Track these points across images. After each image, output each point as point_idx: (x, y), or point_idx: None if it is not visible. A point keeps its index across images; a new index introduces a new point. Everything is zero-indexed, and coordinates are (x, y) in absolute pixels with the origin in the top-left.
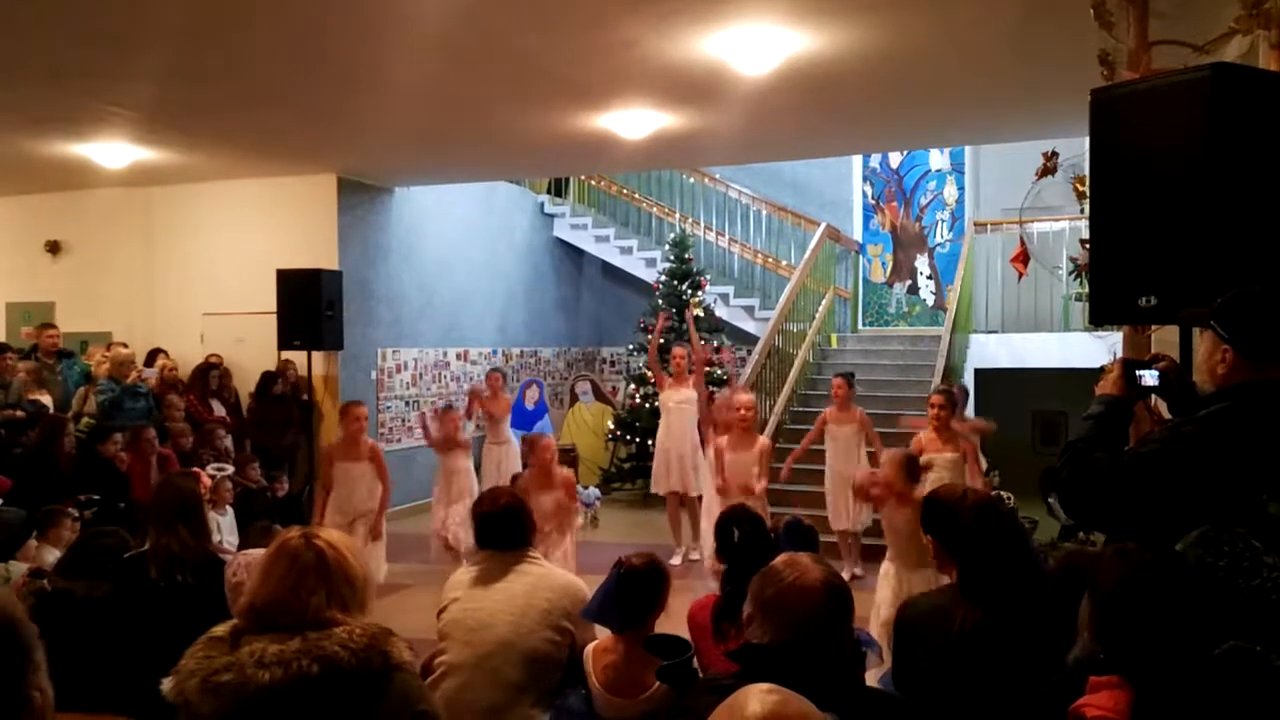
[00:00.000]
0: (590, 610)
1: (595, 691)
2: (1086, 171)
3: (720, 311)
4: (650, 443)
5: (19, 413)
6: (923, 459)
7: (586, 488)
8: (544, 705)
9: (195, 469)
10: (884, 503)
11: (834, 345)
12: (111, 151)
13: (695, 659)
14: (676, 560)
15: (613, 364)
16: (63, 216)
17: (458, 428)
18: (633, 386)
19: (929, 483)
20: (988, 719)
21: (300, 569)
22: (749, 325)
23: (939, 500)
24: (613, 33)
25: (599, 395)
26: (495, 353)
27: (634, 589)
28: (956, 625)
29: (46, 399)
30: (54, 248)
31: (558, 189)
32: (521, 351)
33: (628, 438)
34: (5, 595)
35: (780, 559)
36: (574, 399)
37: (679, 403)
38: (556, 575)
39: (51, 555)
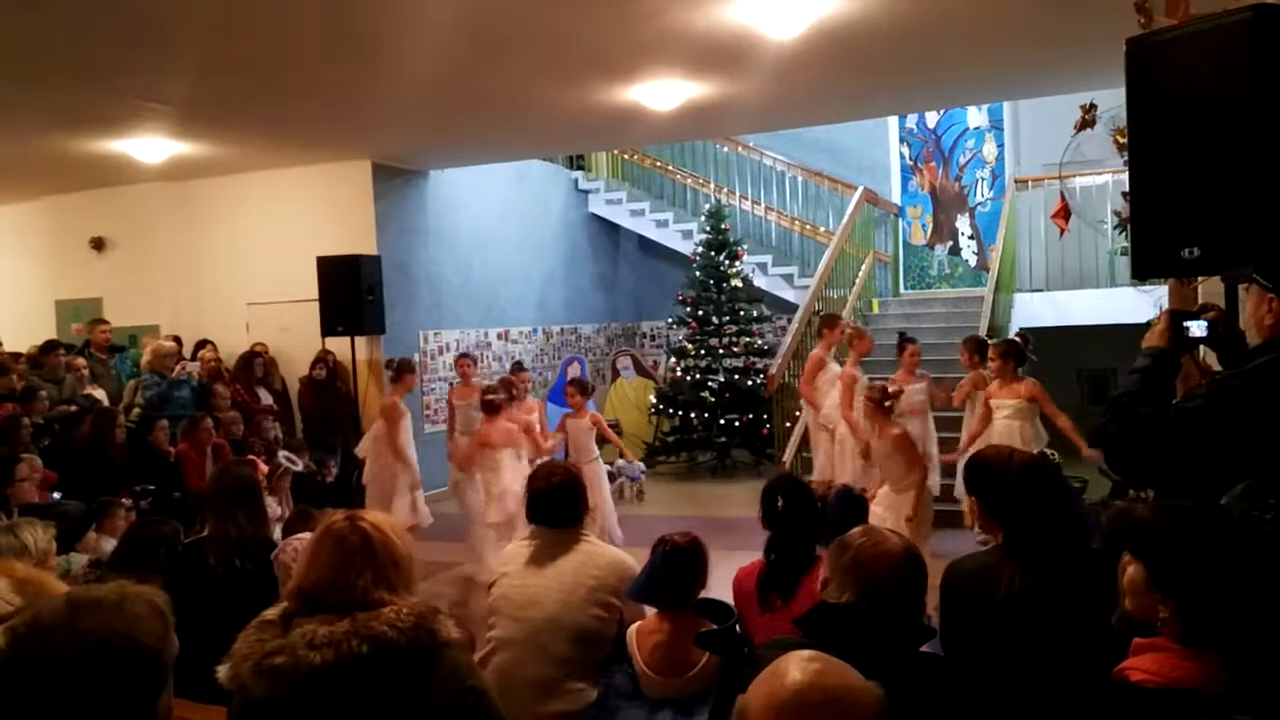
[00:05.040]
0: (635, 590)
1: (640, 670)
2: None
3: (759, 281)
4: (693, 415)
5: (72, 407)
6: (991, 401)
7: (631, 462)
8: (592, 680)
9: (251, 456)
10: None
11: (875, 310)
12: (150, 146)
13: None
14: None
15: (653, 338)
16: (106, 213)
17: None
18: (673, 360)
19: (995, 425)
20: (1034, 680)
21: (347, 551)
22: (788, 294)
23: (984, 461)
24: (638, 3)
25: (640, 370)
26: (536, 331)
27: (678, 568)
28: (1003, 587)
29: (100, 393)
30: (99, 244)
31: (582, 162)
32: (561, 329)
33: (670, 411)
34: (154, 625)
35: (858, 529)
36: (615, 374)
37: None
38: (605, 552)
39: (110, 545)
